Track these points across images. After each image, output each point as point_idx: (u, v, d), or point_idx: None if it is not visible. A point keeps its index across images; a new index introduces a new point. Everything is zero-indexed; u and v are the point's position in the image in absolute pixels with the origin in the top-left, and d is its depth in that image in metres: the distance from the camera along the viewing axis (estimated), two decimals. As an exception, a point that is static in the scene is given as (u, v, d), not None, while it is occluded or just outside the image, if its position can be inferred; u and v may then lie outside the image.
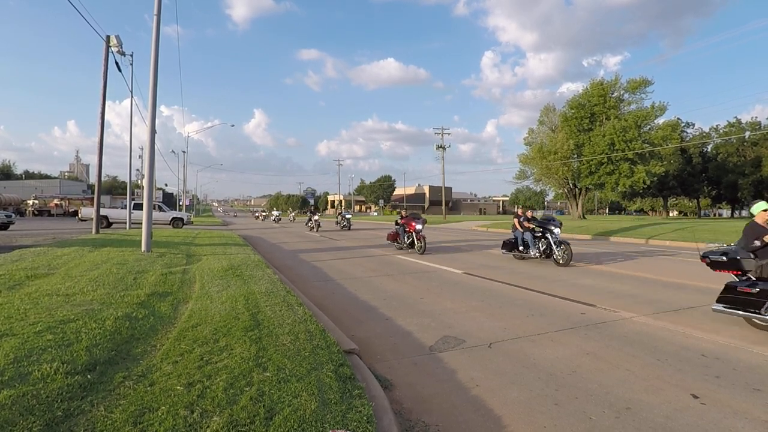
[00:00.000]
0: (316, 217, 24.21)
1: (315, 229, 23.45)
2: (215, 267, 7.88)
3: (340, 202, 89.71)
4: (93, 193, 24.39)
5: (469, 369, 3.56)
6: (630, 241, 18.00)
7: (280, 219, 41.27)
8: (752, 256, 4.72)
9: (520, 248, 10.47)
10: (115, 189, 74.10)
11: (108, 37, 16.29)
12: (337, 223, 26.92)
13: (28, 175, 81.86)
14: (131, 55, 19.58)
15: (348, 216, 26.13)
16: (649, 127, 41.59)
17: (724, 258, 4.83)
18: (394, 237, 13.39)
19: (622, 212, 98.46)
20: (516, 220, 10.80)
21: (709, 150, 57.00)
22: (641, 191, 50.96)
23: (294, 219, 43.59)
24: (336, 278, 8.13)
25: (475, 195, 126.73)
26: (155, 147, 10.82)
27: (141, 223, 11.12)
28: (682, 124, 51.80)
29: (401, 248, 12.96)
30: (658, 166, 41.01)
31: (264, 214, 56.33)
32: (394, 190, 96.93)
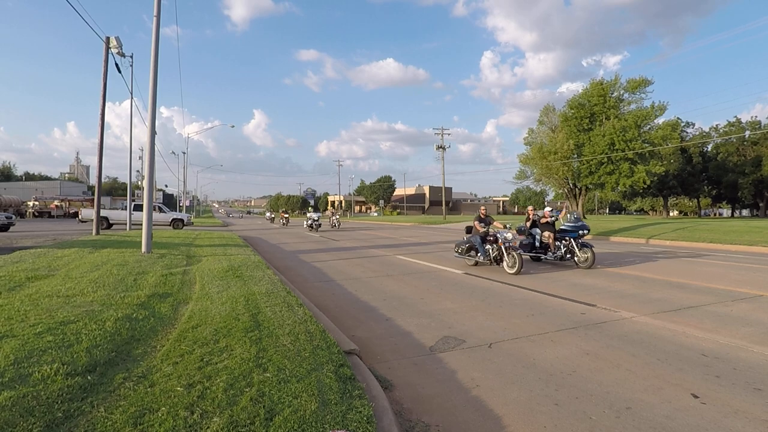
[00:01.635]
0: (508, 235, 8.78)
1: (512, 265, 8.42)
2: (215, 268, 7.89)
3: (340, 202, 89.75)
4: (93, 194, 24.41)
5: (469, 369, 3.56)
6: (630, 240, 18.00)
7: (319, 225, 25.29)
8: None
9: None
10: (115, 190, 74.18)
11: (108, 38, 16.30)
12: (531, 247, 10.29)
13: (29, 177, 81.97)
14: (131, 57, 19.59)
15: (585, 231, 9.67)
16: (649, 126, 41.59)
17: None
18: None
19: (623, 212, 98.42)
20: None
21: (709, 149, 57.00)
22: (641, 191, 50.97)
23: (338, 224, 28.25)
24: (336, 279, 8.13)
25: (475, 195, 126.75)
26: (155, 148, 10.83)
27: (141, 225, 11.13)
28: (682, 124, 51.84)
29: None
30: (658, 166, 41.01)
31: (286, 216, 35.42)
32: (394, 190, 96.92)
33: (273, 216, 45.22)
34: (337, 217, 28.93)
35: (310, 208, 30.41)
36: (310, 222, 25.31)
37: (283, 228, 29.60)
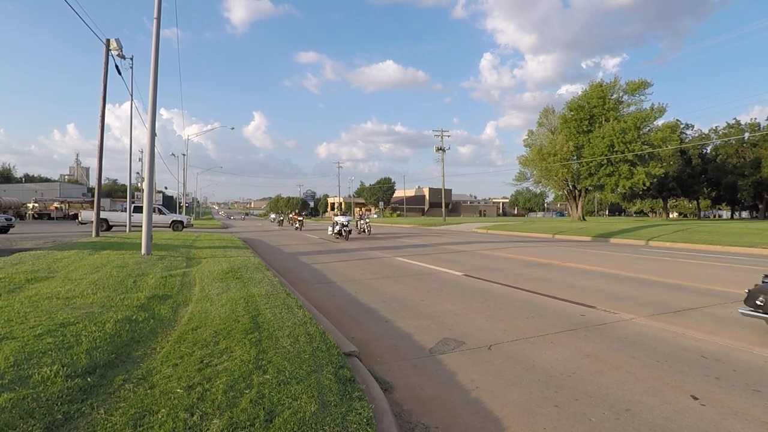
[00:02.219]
0: None
1: None
2: (215, 270, 7.88)
3: (340, 204, 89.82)
4: (93, 196, 24.41)
5: (469, 371, 3.56)
6: (630, 242, 18.00)
7: (350, 231, 18.60)
8: None
9: None
10: (115, 192, 74.24)
11: (108, 40, 16.33)
12: None
13: (28, 179, 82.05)
14: (131, 59, 19.62)
15: None
16: (648, 128, 41.69)
17: None
18: None
19: (622, 214, 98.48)
20: None
21: (708, 151, 57.14)
22: (641, 192, 51.11)
23: (368, 230, 21.60)
24: (336, 280, 8.13)
25: (475, 197, 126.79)
26: (155, 150, 10.84)
27: (141, 226, 11.13)
28: (682, 126, 52.05)
29: None
30: (658, 168, 41.11)
31: (300, 219, 29.72)
32: (394, 192, 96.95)
33: (281, 218, 38.13)
34: (367, 220, 21.95)
35: (336, 211, 24.48)
36: (338, 228, 18.56)
37: (284, 230, 29.40)
